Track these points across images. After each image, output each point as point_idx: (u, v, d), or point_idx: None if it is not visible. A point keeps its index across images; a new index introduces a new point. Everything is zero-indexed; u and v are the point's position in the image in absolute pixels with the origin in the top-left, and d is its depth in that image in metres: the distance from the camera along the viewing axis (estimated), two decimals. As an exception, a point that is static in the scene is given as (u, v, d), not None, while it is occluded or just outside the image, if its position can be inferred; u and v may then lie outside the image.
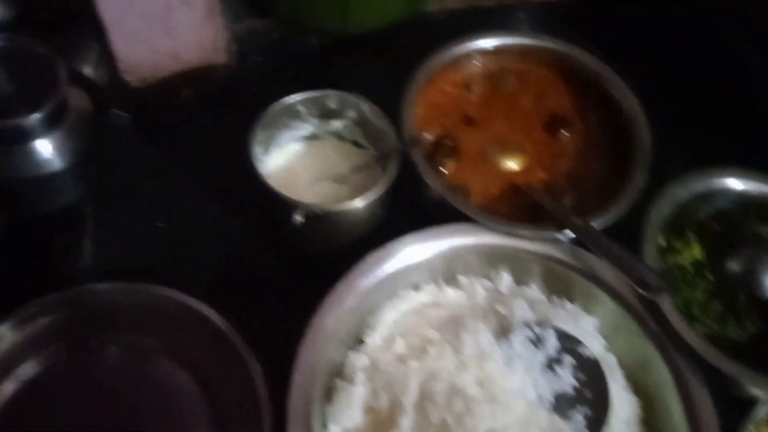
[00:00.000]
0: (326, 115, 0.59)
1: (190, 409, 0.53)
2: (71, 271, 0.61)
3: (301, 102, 0.57)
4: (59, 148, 0.57)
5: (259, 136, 0.55)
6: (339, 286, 0.52)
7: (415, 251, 0.55)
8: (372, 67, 0.73)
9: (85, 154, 0.60)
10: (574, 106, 0.65)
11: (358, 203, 0.53)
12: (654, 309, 0.53)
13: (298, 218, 0.51)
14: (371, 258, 0.53)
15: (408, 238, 0.54)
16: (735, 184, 0.59)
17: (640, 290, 0.50)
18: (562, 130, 0.63)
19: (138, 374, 0.55)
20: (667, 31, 0.76)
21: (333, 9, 0.70)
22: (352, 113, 0.59)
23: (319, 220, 0.53)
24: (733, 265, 0.56)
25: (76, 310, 0.55)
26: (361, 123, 0.59)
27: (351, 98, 0.57)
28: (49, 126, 0.55)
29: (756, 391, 0.53)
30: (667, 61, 0.73)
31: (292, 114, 0.58)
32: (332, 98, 0.58)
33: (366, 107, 0.57)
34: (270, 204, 0.54)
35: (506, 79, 0.66)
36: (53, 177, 0.58)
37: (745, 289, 0.56)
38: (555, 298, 0.56)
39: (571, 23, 0.77)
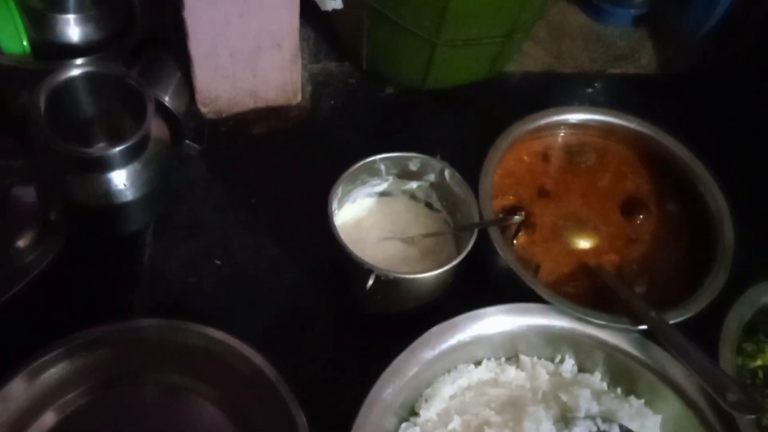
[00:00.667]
0: (405, 175, 0.60)
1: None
2: (124, 302, 0.61)
3: (383, 160, 0.58)
4: (134, 179, 0.57)
5: (338, 191, 0.56)
6: (402, 356, 0.52)
7: (480, 326, 0.54)
8: (447, 125, 0.74)
9: (158, 185, 0.60)
10: (653, 190, 0.65)
11: (434, 273, 0.53)
12: (725, 417, 0.51)
13: (371, 283, 0.51)
14: (437, 330, 0.53)
15: (475, 314, 0.54)
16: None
17: (722, 403, 0.48)
18: (638, 214, 0.62)
19: (178, 416, 0.55)
20: (757, 114, 0.73)
21: (416, 65, 0.71)
22: (431, 176, 0.59)
23: (389, 285, 0.53)
24: (809, 378, 0.56)
25: (123, 344, 0.55)
26: (438, 186, 0.59)
27: (434, 162, 0.58)
28: (128, 158, 0.56)
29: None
30: (757, 148, 0.72)
31: (372, 171, 0.59)
32: (416, 160, 0.58)
33: (447, 173, 0.58)
34: (340, 261, 0.54)
35: (585, 154, 0.66)
36: (123, 206, 0.59)
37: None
38: (620, 392, 0.55)
39: (652, 98, 0.78)
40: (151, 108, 0.57)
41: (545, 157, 0.66)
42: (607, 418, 0.52)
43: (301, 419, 0.51)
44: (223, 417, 0.55)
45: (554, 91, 0.77)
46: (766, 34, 0.77)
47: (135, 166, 0.57)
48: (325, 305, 0.62)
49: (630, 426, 0.51)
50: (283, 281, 0.62)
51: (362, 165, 0.57)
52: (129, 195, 0.57)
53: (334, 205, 0.56)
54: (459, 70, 0.72)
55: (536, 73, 0.79)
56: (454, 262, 0.53)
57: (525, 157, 0.65)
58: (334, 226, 0.54)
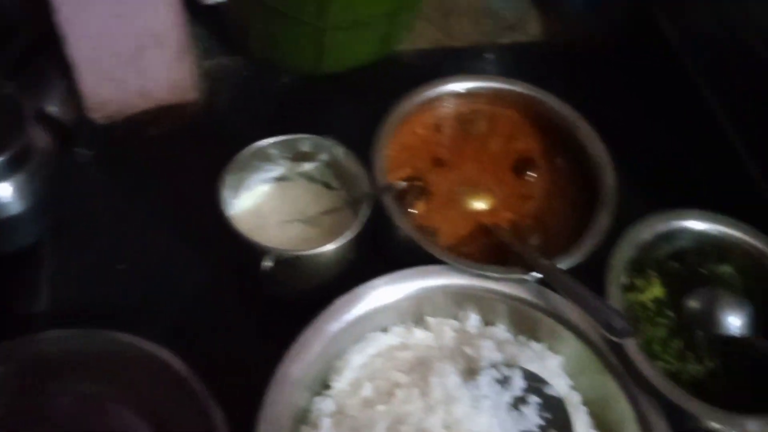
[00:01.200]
0: (298, 157, 0.62)
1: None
2: (26, 316, 0.61)
3: (274, 145, 0.59)
4: (20, 191, 0.58)
5: (228, 180, 0.57)
6: (306, 332, 0.54)
7: (383, 294, 0.57)
8: (343, 108, 0.76)
9: (46, 195, 0.61)
10: (541, 149, 0.69)
11: (330, 247, 0.55)
12: (617, 349, 0.56)
13: (268, 264, 0.53)
14: (339, 302, 0.56)
15: (376, 282, 0.57)
16: (694, 225, 0.63)
17: (606, 333, 0.53)
18: (528, 172, 0.67)
19: (93, 425, 0.55)
20: (633, 76, 0.81)
21: (307, 50, 0.73)
22: (324, 156, 0.61)
23: (289, 264, 0.55)
24: (692, 304, 0.60)
25: (28, 358, 0.55)
26: (333, 165, 0.62)
27: (325, 142, 0.60)
28: (10, 170, 0.56)
29: (714, 425, 0.57)
30: (632, 106, 0.79)
31: (264, 157, 0.60)
32: (305, 142, 0.60)
33: (339, 151, 0.60)
34: (238, 248, 0.56)
35: (476, 121, 0.70)
36: (11, 219, 0.59)
37: (704, 326, 0.59)
38: (522, 338, 0.59)
39: (539, 65, 0.83)
40: (27, 118, 0.57)
41: (438, 128, 0.69)
42: (510, 364, 0.55)
43: (215, 411, 0.53)
44: (139, 419, 0.55)
45: (447, 65, 0.80)
46: (643, 4, 0.86)
47: (19, 177, 0.58)
48: (231, 295, 0.63)
49: (531, 368, 0.55)
50: (188, 277, 0.64)
51: (250, 151, 0.59)
52: (16, 207, 0.58)
53: (226, 194, 0.57)
54: (351, 52, 0.74)
55: (428, 50, 0.82)
56: (349, 235, 0.56)
57: (418, 130, 0.69)
58: (226, 214, 0.56)
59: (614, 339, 0.53)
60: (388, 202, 0.61)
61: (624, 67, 0.82)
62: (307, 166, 0.62)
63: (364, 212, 0.57)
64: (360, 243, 0.59)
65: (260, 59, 0.77)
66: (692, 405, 0.55)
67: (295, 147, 0.61)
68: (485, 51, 0.83)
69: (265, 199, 0.62)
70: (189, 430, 0.53)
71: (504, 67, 0.82)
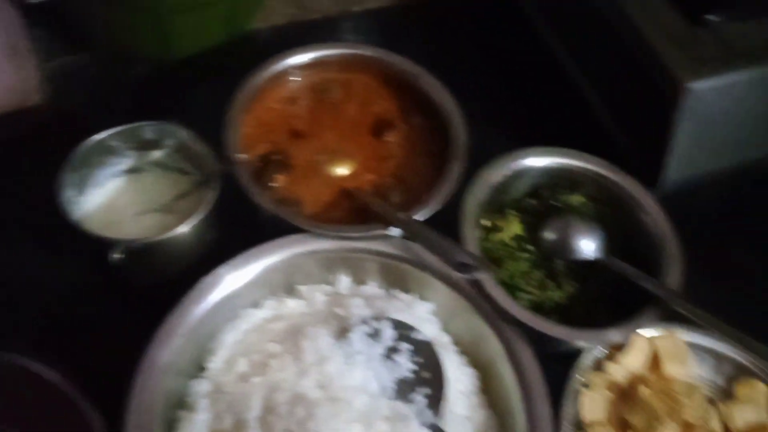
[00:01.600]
0: (144, 146, 0.62)
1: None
2: None
3: (113, 137, 0.59)
4: None
5: (69, 178, 0.57)
6: (170, 317, 0.54)
7: (248, 271, 0.58)
8: (200, 92, 0.76)
9: None
10: (398, 109, 0.71)
11: (181, 230, 0.56)
12: (479, 287, 0.59)
13: (116, 256, 0.53)
14: (202, 284, 0.56)
15: (237, 259, 0.58)
16: (542, 161, 0.67)
17: (457, 272, 0.57)
18: (386, 133, 0.69)
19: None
20: (481, 32, 0.86)
21: (151, 37, 0.73)
22: (170, 141, 0.62)
23: (144, 253, 0.55)
24: (548, 235, 0.65)
25: None
26: (182, 149, 0.62)
27: (167, 126, 0.61)
28: None
29: (581, 344, 0.62)
30: (481, 59, 0.84)
31: (106, 150, 0.60)
32: (147, 129, 0.60)
33: (183, 133, 0.61)
34: (89, 246, 0.56)
35: (330, 89, 0.71)
36: None
37: (561, 254, 0.64)
38: (394, 292, 0.62)
39: (394, 29, 0.86)
40: None
41: (293, 100, 0.70)
42: (379, 317, 0.58)
43: (93, 413, 0.52)
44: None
45: (304, 39, 0.79)
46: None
47: None
48: (92, 294, 0.63)
49: (400, 317, 0.58)
50: (45, 284, 0.63)
51: (87, 147, 0.58)
52: None
53: (69, 193, 0.57)
54: (196, 35, 0.74)
55: (283, 26, 0.83)
56: (199, 216, 0.57)
57: (274, 105, 0.70)
58: (69, 213, 0.55)
59: (464, 275, 0.56)
60: (244, 178, 0.61)
61: (472, 24, 0.87)
62: (157, 154, 0.62)
63: (213, 190, 0.58)
64: (219, 222, 0.60)
65: (108, 53, 0.76)
66: (555, 330, 0.59)
67: (138, 136, 0.60)
68: (340, 20, 0.85)
69: (117, 194, 0.62)
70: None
71: (360, 34, 0.85)
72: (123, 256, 0.53)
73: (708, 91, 0.62)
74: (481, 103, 0.72)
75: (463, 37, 0.85)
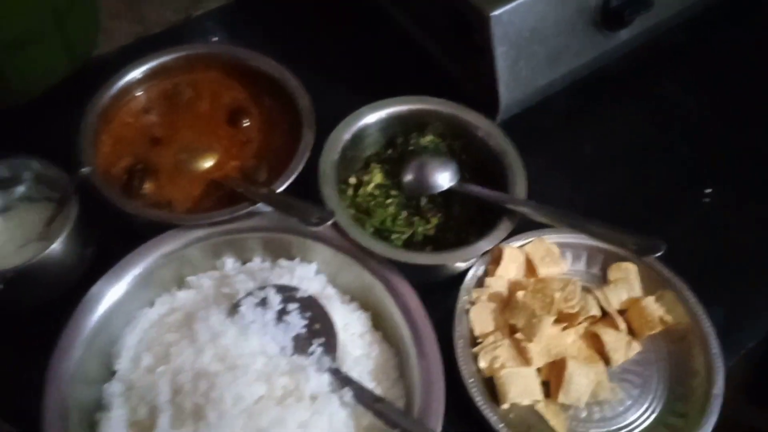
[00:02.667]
0: (5, 184, 0.66)
1: None
2: None
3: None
4: None
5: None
6: (65, 330, 0.60)
7: (131, 274, 0.63)
8: (55, 126, 0.77)
9: None
10: (248, 96, 0.78)
11: (51, 249, 0.61)
12: (353, 241, 0.66)
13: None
14: (89, 295, 0.62)
15: (117, 266, 0.63)
16: (384, 113, 0.74)
17: (311, 226, 0.63)
18: (242, 120, 0.75)
19: None
20: (310, 11, 0.93)
21: None
22: (27, 174, 0.66)
23: (25, 278, 0.60)
24: (408, 177, 0.73)
25: None
26: (41, 179, 0.67)
27: (18, 160, 0.65)
28: None
29: (459, 265, 0.71)
30: (314, 35, 0.91)
31: (-33, 196, 0.65)
32: (1, 167, 0.65)
33: (36, 164, 0.65)
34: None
35: (180, 92, 0.77)
36: None
37: (422, 192, 0.72)
38: (279, 262, 0.69)
39: (234, 25, 0.92)
40: None
41: (147, 110, 0.76)
42: (262, 286, 0.64)
43: None
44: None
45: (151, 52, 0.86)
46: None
47: None
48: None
49: (285, 282, 0.65)
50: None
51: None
52: None
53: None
54: (37, 71, 0.77)
55: (129, 45, 0.88)
56: (63, 233, 0.61)
57: (128, 119, 0.75)
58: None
59: (317, 227, 0.63)
60: (108, 191, 0.66)
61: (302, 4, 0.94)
62: (21, 189, 0.67)
63: (72, 206, 0.63)
64: (93, 236, 0.66)
65: None
66: (428, 258, 0.68)
67: (-6, 174, 0.66)
68: (184, 28, 0.90)
69: (-7, 235, 0.67)
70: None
71: (207, 35, 0.90)
72: (2, 285, 0.58)
73: (511, 15, 0.71)
74: (323, 71, 0.80)
75: (297, 18, 0.92)
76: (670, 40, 0.92)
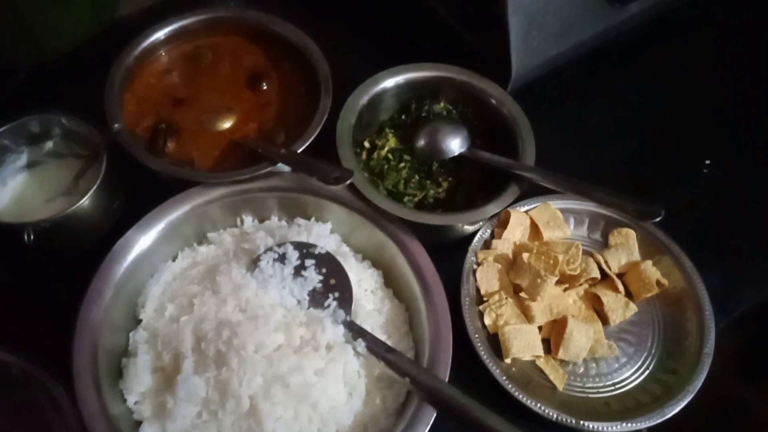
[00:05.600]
0: (35, 140, 0.67)
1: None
2: None
3: (2, 135, 0.64)
4: None
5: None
6: (93, 280, 0.61)
7: (156, 228, 0.65)
8: (81, 84, 0.78)
9: None
10: (267, 60, 0.78)
11: (81, 203, 0.62)
12: (368, 201, 0.67)
13: (30, 237, 0.59)
14: (116, 247, 0.63)
15: (143, 220, 0.65)
16: (400, 79, 0.75)
17: (331, 185, 0.64)
18: (261, 83, 0.75)
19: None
20: None
21: (21, 40, 0.76)
22: (57, 130, 0.67)
23: (56, 230, 0.61)
24: (420, 143, 0.74)
25: None
26: (69, 135, 0.68)
27: (49, 117, 0.66)
28: None
29: (467, 228, 0.72)
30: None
31: (1, 150, 0.65)
32: (32, 123, 0.66)
33: (65, 120, 0.66)
34: (4, 237, 0.61)
35: (201, 54, 0.77)
36: None
37: (434, 157, 0.73)
38: (296, 220, 0.70)
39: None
40: None
41: (169, 71, 0.76)
42: (281, 243, 0.66)
43: (50, 381, 0.59)
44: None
45: (174, 14, 0.84)
46: None
47: None
48: (22, 278, 0.68)
49: (299, 239, 0.66)
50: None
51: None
52: None
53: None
54: (66, 30, 0.77)
55: (151, 6, 0.87)
56: (92, 188, 0.62)
57: (152, 80, 0.75)
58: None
59: (335, 185, 0.64)
60: (134, 147, 0.67)
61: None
62: (49, 145, 0.68)
63: (102, 162, 0.64)
64: (120, 191, 0.67)
65: None
66: (438, 219, 0.69)
67: (25, 131, 0.66)
68: (203, -10, 0.90)
69: (23, 188, 0.67)
70: (38, 413, 0.59)
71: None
72: (34, 237, 0.59)
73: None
74: (339, 37, 0.79)
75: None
76: (678, 14, 0.91)
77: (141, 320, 0.64)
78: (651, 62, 0.91)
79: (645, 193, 0.72)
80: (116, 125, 0.66)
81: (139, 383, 0.60)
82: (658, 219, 0.66)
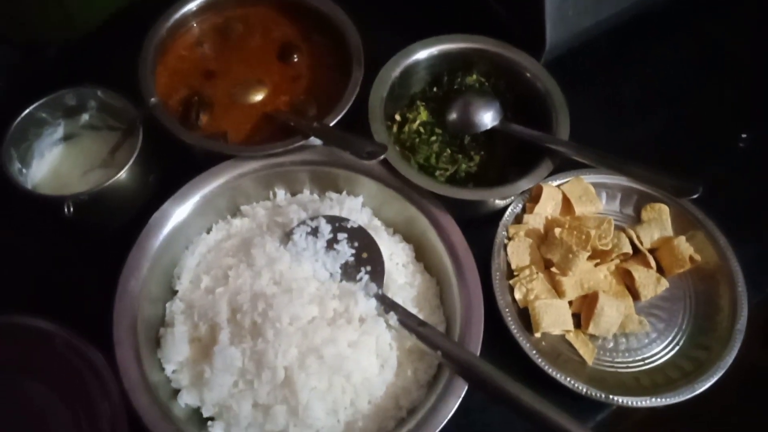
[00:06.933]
0: (71, 113, 0.67)
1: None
2: None
3: (40, 108, 0.64)
4: None
5: (12, 153, 0.62)
6: (132, 252, 0.62)
7: (191, 200, 0.65)
8: (117, 56, 0.76)
9: None
10: (297, 32, 0.76)
11: (119, 176, 0.62)
12: (399, 175, 0.66)
13: (69, 210, 0.59)
14: (153, 220, 0.63)
15: (179, 193, 0.64)
16: (431, 51, 0.73)
17: (366, 160, 0.63)
18: (292, 56, 0.74)
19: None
20: None
21: (52, 14, 0.75)
22: (92, 103, 0.67)
23: (93, 203, 0.62)
24: (452, 116, 0.72)
25: None
26: (105, 108, 0.67)
27: (85, 90, 0.66)
28: None
29: (498, 203, 0.71)
30: None
31: (38, 123, 0.65)
32: (68, 96, 0.65)
33: (100, 93, 0.66)
34: (43, 208, 0.62)
35: (232, 26, 0.76)
36: None
37: (466, 130, 0.72)
38: (327, 194, 0.69)
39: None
40: None
41: (200, 44, 0.75)
42: (314, 216, 0.66)
43: (91, 351, 0.60)
44: (37, 383, 0.61)
45: None
46: None
47: None
48: (62, 249, 0.69)
49: (332, 213, 0.66)
50: (20, 251, 0.69)
51: (19, 121, 0.63)
52: None
53: (15, 167, 0.63)
54: (93, 4, 0.76)
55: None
56: (130, 161, 0.62)
57: (183, 52, 0.75)
58: (19, 183, 0.61)
59: (370, 160, 0.63)
60: (168, 120, 0.67)
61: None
62: (85, 117, 0.68)
63: (138, 135, 0.64)
64: (156, 164, 0.67)
65: (19, 42, 0.78)
66: (470, 193, 0.68)
67: (62, 104, 0.66)
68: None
69: (60, 160, 0.68)
70: (79, 381, 0.61)
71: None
72: (73, 209, 0.60)
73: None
74: (371, 8, 0.77)
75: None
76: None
77: (177, 291, 0.65)
78: (685, 35, 0.87)
79: (679, 168, 0.70)
80: (152, 99, 0.65)
81: (177, 353, 0.60)
82: (696, 196, 0.65)
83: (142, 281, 0.61)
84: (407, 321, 0.62)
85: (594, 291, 0.69)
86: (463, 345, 0.60)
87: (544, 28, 0.73)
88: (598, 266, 0.70)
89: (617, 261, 0.71)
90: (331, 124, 0.67)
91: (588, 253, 0.69)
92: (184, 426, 0.57)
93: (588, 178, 0.74)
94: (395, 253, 0.66)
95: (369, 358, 0.60)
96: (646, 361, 0.68)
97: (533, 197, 0.72)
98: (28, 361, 0.62)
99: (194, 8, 0.74)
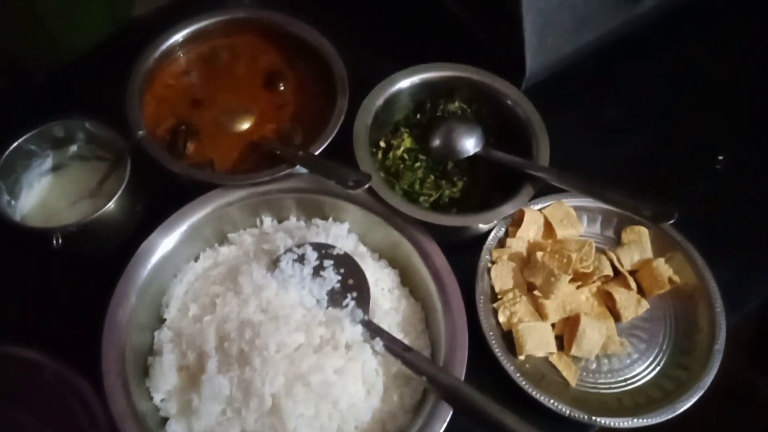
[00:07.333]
0: (59, 144, 0.68)
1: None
2: None
3: (28, 141, 0.65)
4: None
5: (3, 186, 0.63)
6: (120, 282, 0.62)
7: (178, 230, 0.65)
8: (101, 86, 0.78)
9: None
10: (283, 60, 0.78)
11: (107, 207, 0.63)
12: (384, 202, 0.67)
13: (59, 241, 0.60)
14: (141, 250, 0.64)
15: (166, 223, 0.65)
16: (415, 79, 0.74)
17: (351, 189, 0.64)
18: (277, 84, 0.75)
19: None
20: None
21: (41, 42, 0.75)
22: (80, 134, 0.68)
23: (81, 234, 0.62)
24: (435, 142, 0.74)
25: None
26: (93, 139, 0.68)
27: (73, 122, 0.66)
28: None
29: (481, 227, 0.72)
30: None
31: (27, 155, 0.66)
32: (56, 127, 0.66)
33: (88, 125, 0.67)
34: (32, 239, 0.62)
35: (218, 55, 0.77)
36: None
37: (449, 156, 0.73)
38: (313, 221, 0.70)
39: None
40: None
41: (187, 73, 0.76)
42: (300, 244, 0.66)
43: (79, 380, 0.61)
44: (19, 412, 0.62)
45: (189, 15, 0.81)
46: None
47: None
48: (50, 280, 0.69)
49: (320, 240, 0.67)
50: (9, 281, 0.69)
51: (7, 154, 0.64)
52: None
53: (4, 199, 0.63)
54: (82, 32, 0.77)
55: (166, 6, 0.87)
56: (118, 191, 0.63)
57: (170, 81, 0.76)
58: (8, 215, 0.61)
59: (354, 190, 0.64)
60: (155, 150, 0.67)
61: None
62: (73, 149, 0.68)
63: (126, 166, 0.65)
64: (143, 194, 0.68)
65: (4, 68, 0.78)
66: (454, 219, 0.69)
67: (50, 136, 0.66)
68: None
69: (48, 191, 0.68)
70: (67, 411, 0.61)
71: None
72: (62, 240, 0.60)
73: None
74: (355, 36, 0.79)
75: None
76: (691, 9, 0.89)
77: (165, 319, 0.65)
78: (664, 58, 0.90)
79: (658, 189, 0.72)
80: (140, 132, 0.66)
81: (165, 381, 0.61)
82: (672, 221, 0.66)
83: (131, 310, 0.61)
84: (393, 346, 0.62)
85: (576, 313, 0.70)
86: (447, 369, 0.61)
87: (523, 55, 0.75)
88: (580, 288, 0.72)
89: (598, 283, 0.73)
90: (317, 152, 0.68)
91: (570, 276, 0.70)
92: (173, 455, 0.58)
93: (569, 202, 0.75)
94: (381, 279, 0.67)
95: (355, 384, 0.61)
96: (628, 382, 0.69)
97: (516, 221, 0.74)
98: (16, 392, 0.63)
99: (181, 39, 0.75)
